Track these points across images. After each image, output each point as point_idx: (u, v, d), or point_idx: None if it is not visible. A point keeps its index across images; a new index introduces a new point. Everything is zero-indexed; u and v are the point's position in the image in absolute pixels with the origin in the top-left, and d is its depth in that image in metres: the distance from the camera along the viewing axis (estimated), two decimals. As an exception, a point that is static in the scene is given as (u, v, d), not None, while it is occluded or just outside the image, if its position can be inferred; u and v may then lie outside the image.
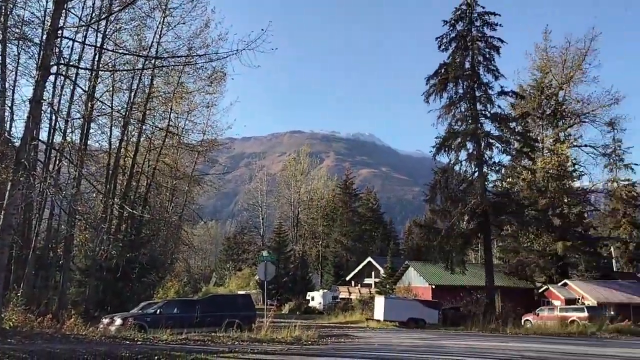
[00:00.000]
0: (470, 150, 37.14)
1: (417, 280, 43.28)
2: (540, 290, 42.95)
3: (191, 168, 42.77)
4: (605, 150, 49.75)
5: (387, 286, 44.96)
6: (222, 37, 29.34)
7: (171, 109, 35.65)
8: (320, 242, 71.10)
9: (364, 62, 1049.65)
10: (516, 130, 39.69)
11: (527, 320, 35.05)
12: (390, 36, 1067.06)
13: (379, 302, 33.33)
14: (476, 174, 37.19)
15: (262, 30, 13.30)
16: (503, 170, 41.18)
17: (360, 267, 57.25)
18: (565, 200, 45.93)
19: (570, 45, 48.23)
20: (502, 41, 36.96)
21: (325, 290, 54.51)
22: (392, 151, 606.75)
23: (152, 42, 31.21)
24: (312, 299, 52.51)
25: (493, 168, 38.26)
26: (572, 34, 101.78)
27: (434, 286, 40.74)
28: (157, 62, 26.91)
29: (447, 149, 37.50)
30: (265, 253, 28.17)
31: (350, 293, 50.74)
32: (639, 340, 26.89)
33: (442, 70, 37.26)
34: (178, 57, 26.79)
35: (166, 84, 34.73)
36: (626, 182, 53.95)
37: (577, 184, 49.50)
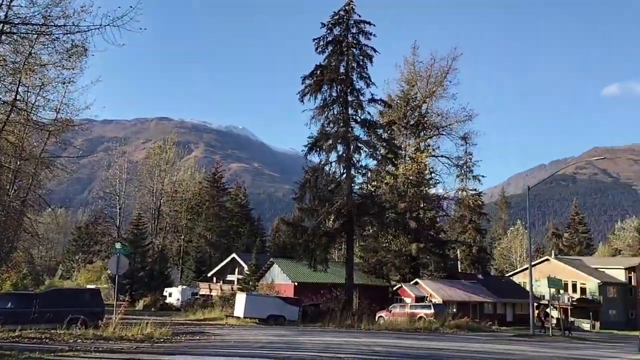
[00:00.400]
0: (340, 153, 38.76)
1: (280, 278, 43.99)
2: (394, 288, 46.27)
3: (40, 149, 38.76)
4: (458, 162, 55.13)
5: (250, 283, 45.06)
6: (85, 10, 27.00)
7: (20, 82, 31.96)
8: (183, 237, 69.00)
9: (243, 54, 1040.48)
10: (383, 136, 42.29)
11: (381, 316, 37.49)
12: (270, 34, 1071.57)
13: (240, 298, 33.27)
14: (344, 176, 38.89)
15: (131, 7, 12.57)
16: (369, 174, 43.53)
17: (223, 263, 56.63)
18: (421, 205, 50.00)
19: (435, 62, 52.71)
20: (375, 50, 39.06)
21: (185, 287, 53.09)
22: (266, 147, 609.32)
23: (2, 4, 27.69)
24: (170, 295, 50.85)
25: (360, 171, 40.32)
26: (437, 52, 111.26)
27: (296, 283, 41.76)
28: (4, 28, 23.94)
29: (318, 149, 38.70)
30: (118, 245, 26.51)
31: (211, 290, 49.98)
32: (474, 335, 30.17)
33: (318, 72, 38.34)
34: (31, 24, 24.11)
35: (15, 52, 31.04)
36: (473, 192, 60.23)
37: (432, 191, 54.23)
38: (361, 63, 39.26)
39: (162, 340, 17.28)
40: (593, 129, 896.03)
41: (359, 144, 38.94)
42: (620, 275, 61.59)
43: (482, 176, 57.18)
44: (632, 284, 61.52)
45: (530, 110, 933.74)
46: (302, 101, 38.55)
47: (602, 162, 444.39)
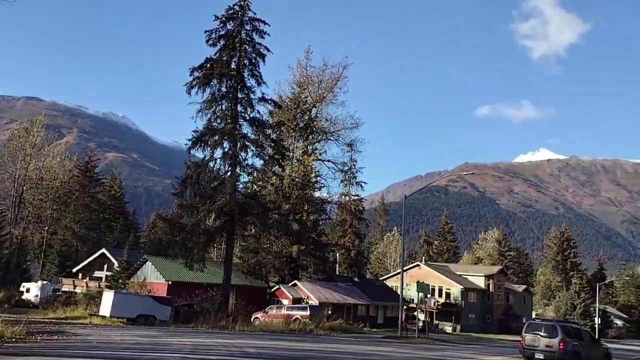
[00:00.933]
0: (226, 149, 38.20)
1: (154, 276, 42.24)
2: (273, 290, 46.58)
3: None
4: (343, 167, 57.00)
5: (120, 280, 42.70)
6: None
7: None
8: (47, 228, 63.43)
9: (128, 36, 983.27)
10: (271, 137, 42.47)
11: (257, 317, 37.53)
12: (162, 21, 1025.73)
13: (107, 297, 31.41)
14: (229, 174, 38.40)
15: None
16: (255, 173, 43.45)
17: (91, 258, 52.96)
18: (305, 208, 50.94)
19: (326, 68, 54.07)
20: (268, 50, 39.13)
21: (45, 282, 48.94)
22: (147, 138, 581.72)
23: None
24: (28, 290, 46.62)
25: (246, 170, 40.07)
26: (329, 58, 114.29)
27: (170, 282, 40.35)
28: None
29: (203, 144, 37.81)
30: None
31: (75, 286, 46.55)
32: (346, 336, 31.39)
33: (208, 65, 37.50)
34: None
35: None
36: (355, 197, 62.73)
37: (317, 194, 55.48)
38: (253, 61, 39.11)
39: (13, 340, 15.80)
40: (466, 146, 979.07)
41: (247, 142, 38.72)
42: (480, 282, 67.83)
43: (365, 183, 59.84)
44: (490, 290, 68.06)
45: (411, 125, 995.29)
46: (189, 93, 37.47)
47: (471, 177, 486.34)
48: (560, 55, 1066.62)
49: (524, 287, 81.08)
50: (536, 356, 20.13)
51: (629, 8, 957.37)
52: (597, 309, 76.93)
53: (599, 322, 75.45)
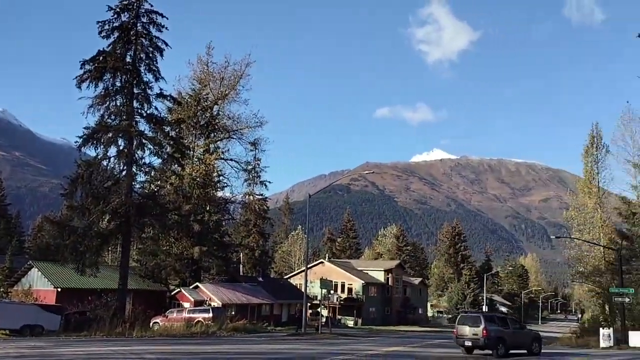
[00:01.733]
0: (121, 147, 36.27)
1: (40, 283, 39.23)
2: (173, 293, 45.11)
3: None
4: (247, 166, 56.37)
5: (2, 289, 39.20)
6: None
7: None
8: None
9: (14, 24, 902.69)
10: (170, 134, 41.00)
11: (156, 322, 36.18)
12: (46, 13, 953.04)
13: (-14, 308, 28.67)
14: (124, 173, 36.51)
15: None
16: (152, 173, 41.72)
17: (-34, 267, 47.99)
18: (207, 208, 49.85)
19: (228, 65, 53.23)
20: (166, 44, 37.69)
21: None
22: (31, 135, 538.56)
23: None
24: None
25: (143, 169, 38.31)
26: (231, 55, 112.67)
27: (59, 289, 37.71)
28: None
29: (96, 142, 35.59)
30: None
31: (-53, 299, 41.91)
32: (251, 337, 31.25)
33: (101, 58, 35.34)
34: None
35: None
36: (260, 197, 62.40)
37: (219, 193, 54.45)
38: (150, 55, 37.51)
39: None
40: (367, 146, 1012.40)
41: (144, 140, 37.03)
42: (380, 277, 70.62)
43: (269, 182, 59.52)
44: (389, 284, 71.06)
45: (315, 125, 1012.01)
46: (80, 87, 35.03)
47: (371, 176, 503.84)
48: (453, 61, 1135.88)
49: (420, 279, 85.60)
50: (465, 344, 22.25)
51: (514, 18, 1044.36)
52: (484, 297, 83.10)
53: (486, 310, 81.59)
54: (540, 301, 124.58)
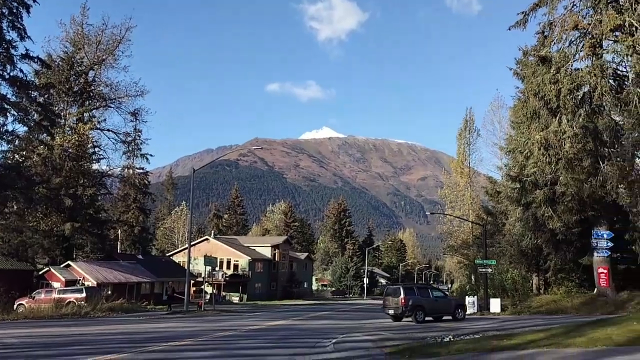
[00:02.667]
0: (-23, 112, 32.47)
1: None
2: (41, 273, 41.70)
3: None
4: (126, 138, 53.35)
5: None
6: None
7: None
8: None
9: None
10: (38, 100, 37.45)
11: (21, 304, 33.34)
12: None
13: None
14: (-19, 141, 32.83)
15: None
16: (17, 142, 38.07)
17: None
18: (81, 182, 46.44)
19: (106, 28, 49.50)
20: (35, 0, 34.18)
21: None
22: None
23: None
24: None
25: (5, 137, 34.74)
26: (110, 18, 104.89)
27: None
28: None
29: (-55, 104, 31.47)
30: None
31: None
32: (128, 316, 29.93)
33: (-48, 8, 31.11)
34: None
35: None
36: (140, 171, 59.57)
37: (95, 166, 50.85)
38: (15, 10, 33.70)
39: None
40: (256, 121, 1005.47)
41: (6, 105, 33.45)
42: (267, 252, 71.11)
43: (151, 155, 57.04)
44: (276, 259, 71.85)
45: (203, 98, 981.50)
46: None
47: (261, 152, 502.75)
48: (343, 40, 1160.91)
49: (306, 254, 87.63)
50: (389, 312, 25.22)
51: (399, 2, 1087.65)
52: (366, 270, 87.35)
53: (367, 282, 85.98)
54: (415, 273, 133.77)
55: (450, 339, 14.74)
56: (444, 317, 25.70)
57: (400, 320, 24.85)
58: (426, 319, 24.49)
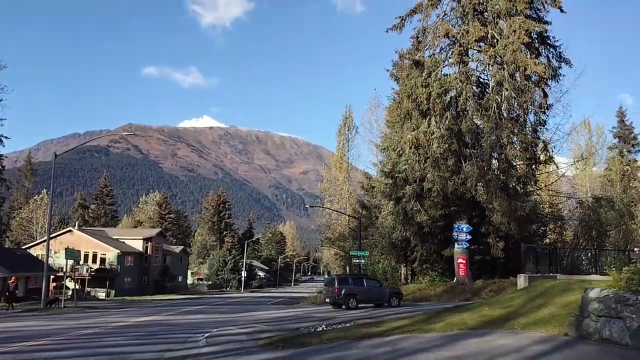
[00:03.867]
0: None
1: None
2: None
3: None
4: (-25, 116, 47.76)
5: None
6: None
7: None
8: None
9: None
10: None
11: None
12: None
13: None
14: None
15: None
16: None
17: None
18: None
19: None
20: None
21: None
22: None
23: None
24: None
25: None
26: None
27: None
28: None
29: None
30: None
31: None
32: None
33: None
34: None
35: None
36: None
37: None
38: None
39: None
40: (130, 106, 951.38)
41: None
42: (139, 245, 67.93)
43: (6, 137, 51.89)
44: (148, 252, 68.91)
45: (73, 77, 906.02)
46: None
47: (134, 139, 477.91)
48: (227, 28, 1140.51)
49: (181, 247, 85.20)
50: (327, 300, 28.29)
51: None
52: (244, 263, 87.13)
53: (245, 275, 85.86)
54: (294, 265, 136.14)
55: (323, 328, 15.28)
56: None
57: (340, 307, 26.61)
58: (359, 305, 26.45)
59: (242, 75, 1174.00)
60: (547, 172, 41.22)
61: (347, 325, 15.88)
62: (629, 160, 53.97)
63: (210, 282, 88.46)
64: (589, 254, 23.15)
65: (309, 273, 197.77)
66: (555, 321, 12.05)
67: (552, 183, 44.14)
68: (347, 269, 47.92)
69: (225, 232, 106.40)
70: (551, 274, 19.67)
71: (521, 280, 18.96)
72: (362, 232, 38.72)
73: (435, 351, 10.03)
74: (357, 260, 34.50)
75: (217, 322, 21.15)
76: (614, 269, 11.80)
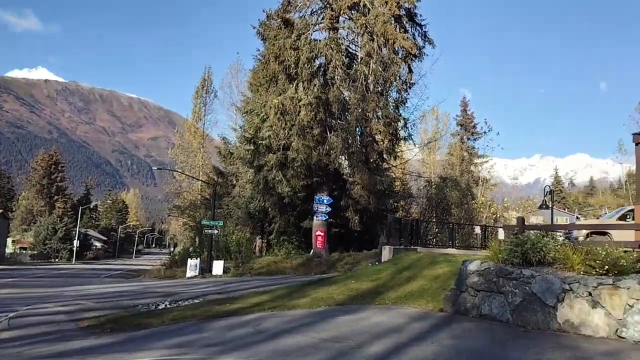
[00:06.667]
0: None
1: None
2: None
3: None
4: None
5: None
6: None
7: None
8: None
9: None
10: None
11: None
12: None
13: None
14: None
15: None
16: None
17: None
18: None
19: None
20: None
21: None
22: None
23: None
24: None
25: None
26: None
27: None
28: None
29: None
30: None
31: None
32: None
33: None
34: None
35: None
36: None
37: None
38: None
39: None
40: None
41: None
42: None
43: None
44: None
45: None
46: None
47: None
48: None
49: (0, 211, 74.67)
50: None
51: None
52: (77, 232, 79.28)
53: (78, 245, 78.21)
54: (137, 236, 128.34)
55: (166, 305, 13.12)
56: None
57: None
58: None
59: (87, 24, 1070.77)
60: (401, 151, 42.76)
61: (196, 301, 13.89)
62: (468, 147, 58.59)
63: (35, 252, 79.11)
64: (446, 228, 23.88)
65: (153, 245, 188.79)
66: (427, 295, 11.37)
67: (406, 162, 46.01)
68: (197, 241, 45.32)
69: (56, 197, 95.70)
70: (412, 247, 19.61)
71: (386, 252, 18.54)
72: (217, 202, 36.40)
73: (304, 332, 8.58)
74: (210, 231, 32.21)
75: (32, 297, 17.59)
76: (492, 242, 11.36)
